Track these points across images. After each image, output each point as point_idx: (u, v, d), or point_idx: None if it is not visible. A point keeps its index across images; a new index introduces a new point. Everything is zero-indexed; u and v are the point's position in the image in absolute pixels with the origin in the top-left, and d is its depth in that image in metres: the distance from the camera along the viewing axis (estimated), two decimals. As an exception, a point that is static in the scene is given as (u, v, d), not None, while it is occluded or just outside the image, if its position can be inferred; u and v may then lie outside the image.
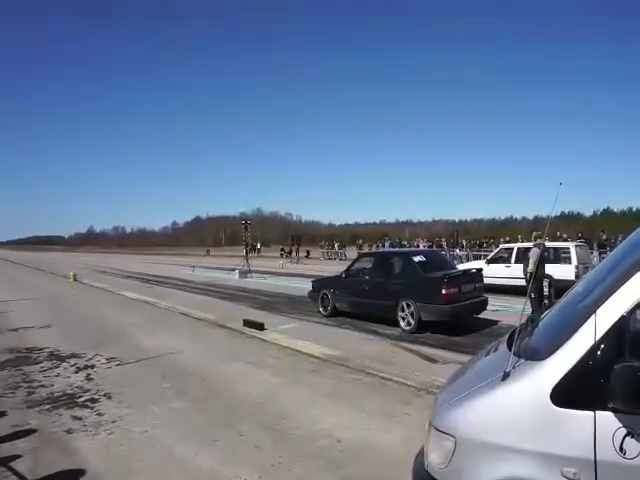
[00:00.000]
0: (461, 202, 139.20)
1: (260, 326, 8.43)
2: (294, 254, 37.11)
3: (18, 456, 3.63)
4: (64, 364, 6.46)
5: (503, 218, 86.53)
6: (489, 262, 13.90)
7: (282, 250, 44.42)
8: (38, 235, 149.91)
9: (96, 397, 5.02)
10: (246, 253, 23.40)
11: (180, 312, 10.80)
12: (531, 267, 8.64)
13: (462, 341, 7.37)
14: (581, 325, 1.77)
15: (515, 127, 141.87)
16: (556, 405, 1.73)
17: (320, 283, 10.70)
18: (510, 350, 2.10)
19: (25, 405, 4.81)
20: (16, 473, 3.39)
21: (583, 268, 11.72)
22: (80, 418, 4.43)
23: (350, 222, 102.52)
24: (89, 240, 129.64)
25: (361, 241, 40.07)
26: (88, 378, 5.75)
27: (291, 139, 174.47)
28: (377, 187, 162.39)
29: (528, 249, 13.05)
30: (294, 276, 21.10)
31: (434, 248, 29.64)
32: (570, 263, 12.06)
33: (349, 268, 10.01)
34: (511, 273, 12.84)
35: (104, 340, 7.83)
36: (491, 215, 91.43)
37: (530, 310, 7.73)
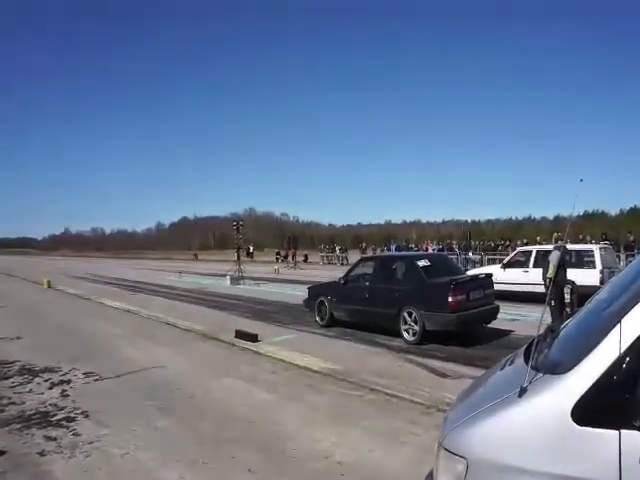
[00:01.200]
0: (474, 201, 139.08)
1: (254, 337, 8.43)
2: (290, 258, 37.13)
3: (-15, 481, 3.63)
4: (37, 379, 6.45)
5: (520, 218, 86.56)
6: (505, 266, 13.90)
7: (277, 254, 44.50)
8: (8, 237, 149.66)
9: (72, 416, 5.01)
10: (238, 257, 23.40)
11: (165, 322, 10.80)
12: (551, 272, 8.61)
13: (475, 353, 7.37)
14: (605, 336, 1.76)
15: (532, 123, 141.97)
16: (578, 423, 1.72)
17: (317, 290, 10.71)
18: (527, 363, 2.09)
19: (-6, 424, 4.80)
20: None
21: (608, 273, 11.59)
22: (54, 439, 4.41)
23: (352, 223, 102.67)
24: (64, 243, 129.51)
25: (364, 244, 40.09)
26: (63, 395, 5.74)
27: (288, 135, 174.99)
28: (382, 185, 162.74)
29: (548, 252, 13.24)
30: (291, 282, 21.08)
31: (445, 251, 29.76)
32: (594, 267, 11.98)
33: (348, 273, 10.06)
34: (529, 279, 12.72)
35: (81, 353, 7.82)
36: (507, 215, 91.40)
37: (549, 319, 7.74)
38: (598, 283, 11.23)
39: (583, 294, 10.56)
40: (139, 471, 3.77)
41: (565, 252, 9.58)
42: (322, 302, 10.08)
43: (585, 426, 1.71)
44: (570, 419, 1.74)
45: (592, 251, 12.53)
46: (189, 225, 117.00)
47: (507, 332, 8.73)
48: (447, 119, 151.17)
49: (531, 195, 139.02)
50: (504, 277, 13.21)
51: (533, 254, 13.44)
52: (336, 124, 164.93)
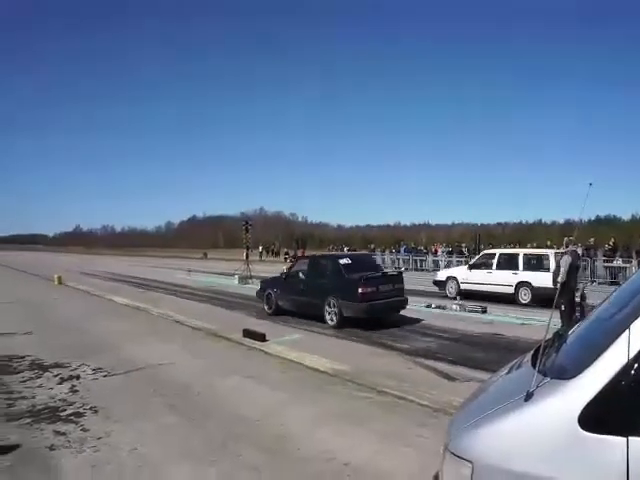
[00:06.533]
0: (484, 204, 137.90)
1: (261, 337, 8.46)
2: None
3: (-5, 473, 3.68)
4: (47, 374, 6.53)
5: (531, 222, 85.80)
6: (471, 268, 14.99)
7: (286, 254, 44.47)
8: (20, 234, 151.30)
9: (81, 411, 5.07)
10: (246, 257, 23.46)
11: (174, 320, 10.87)
12: (562, 276, 8.54)
13: (483, 357, 7.34)
14: (613, 341, 1.76)
15: (542, 124, 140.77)
16: (585, 429, 1.72)
17: (265, 284, 12.52)
18: (534, 367, 2.09)
19: (4, 418, 4.87)
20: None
21: None
22: (63, 433, 4.47)
23: (361, 224, 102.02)
24: (75, 240, 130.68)
25: (373, 245, 39.91)
26: (73, 390, 5.81)
27: (296, 135, 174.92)
28: (391, 186, 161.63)
29: (513, 255, 14.73)
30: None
31: (453, 253, 29.62)
32: (549, 270, 12.59)
33: (289, 270, 11.97)
34: (493, 279, 14.02)
35: (91, 349, 7.90)
36: (517, 218, 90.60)
37: (559, 324, 7.68)
38: (552, 285, 11.82)
39: (538, 294, 12.71)
40: (146, 467, 3.80)
41: (577, 257, 9.50)
42: (269, 294, 11.96)
43: (592, 432, 1.71)
44: (577, 425, 1.73)
45: (548, 255, 13.48)
46: (199, 224, 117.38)
47: (516, 337, 8.67)
48: (458, 120, 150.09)
49: (542, 199, 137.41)
50: (471, 277, 14.70)
51: (496, 257, 14.56)
52: (346, 125, 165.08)
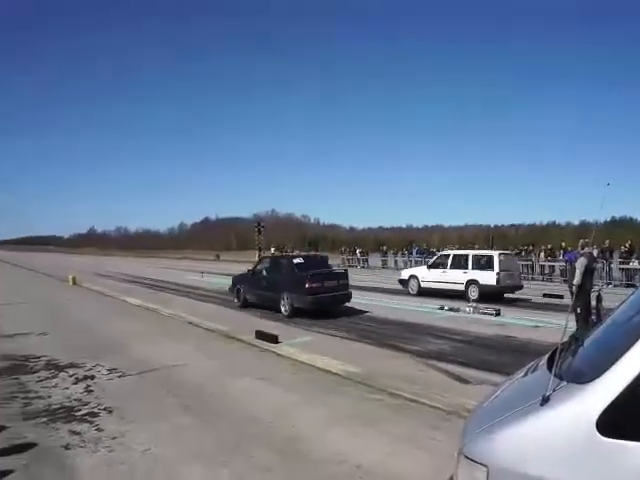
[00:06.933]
0: (497, 205, 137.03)
1: (274, 338, 8.48)
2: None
3: (11, 471, 3.73)
4: (62, 374, 6.61)
5: (545, 223, 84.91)
6: (430, 267, 16.54)
7: (298, 255, 44.50)
8: (34, 235, 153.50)
9: (96, 411, 5.12)
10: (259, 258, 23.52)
11: (187, 321, 10.93)
12: (577, 279, 8.44)
13: (496, 360, 7.28)
14: (632, 344, 1.73)
15: (557, 123, 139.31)
16: (603, 435, 1.69)
17: (236, 280, 14.22)
18: (550, 371, 2.06)
19: (21, 417, 4.93)
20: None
21: (504, 275, 14.53)
22: (79, 433, 4.52)
23: (373, 226, 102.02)
24: (89, 241, 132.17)
25: (385, 247, 39.75)
26: (88, 390, 5.87)
27: (309, 137, 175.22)
28: (403, 187, 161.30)
29: (464, 256, 16.06)
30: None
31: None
32: (493, 270, 14.40)
33: (254, 268, 13.76)
34: (447, 278, 15.54)
35: (105, 349, 7.98)
36: (531, 220, 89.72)
37: (574, 327, 7.60)
38: (495, 283, 14.27)
39: (485, 291, 14.36)
40: (159, 467, 3.83)
41: (593, 259, 9.38)
42: (239, 289, 13.70)
43: (610, 437, 1.68)
44: (595, 430, 1.71)
45: (492, 256, 14.95)
46: (211, 225, 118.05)
47: (530, 339, 8.59)
48: (470, 120, 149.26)
49: (556, 200, 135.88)
50: (429, 276, 16.23)
51: (450, 257, 16.05)
52: (357, 125, 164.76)
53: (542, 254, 25.16)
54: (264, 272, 12.94)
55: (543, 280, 23.80)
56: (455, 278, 15.22)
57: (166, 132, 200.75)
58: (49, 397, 5.60)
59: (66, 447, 4.20)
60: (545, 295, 15.74)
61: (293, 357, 7.44)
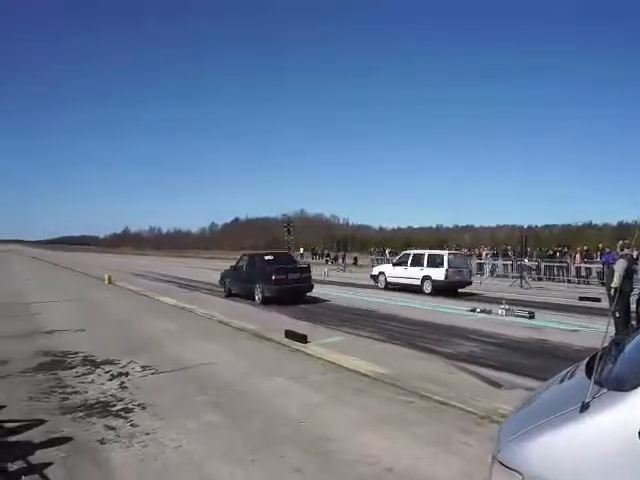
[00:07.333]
0: (530, 205, 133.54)
1: (303, 338, 8.51)
2: (340, 261, 37.09)
3: (50, 464, 3.84)
4: (98, 370, 6.79)
5: (580, 224, 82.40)
6: (394, 265, 18.86)
7: (327, 256, 44.55)
8: (70, 235, 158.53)
9: (130, 407, 5.23)
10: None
11: (218, 320, 11.09)
12: (616, 282, 8.14)
13: (530, 364, 7.11)
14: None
15: (596, 120, 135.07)
16: (646, 444, 1.63)
17: (223, 274, 16.77)
18: (590, 378, 2.00)
19: (59, 411, 5.09)
20: (48, 482, 3.59)
21: (453, 271, 16.64)
22: (114, 428, 4.62)
23: (403, 226, 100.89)
24: (123, 241, 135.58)
25: (414, 248, 39.38)
26: (122, 386, 6.01)
27: (339, 137, 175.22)
28: (434, 188, 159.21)
29: (421, 254, 17.94)
30: (339, 285, 21.13)
31: (499, 257, 28.89)
32: (442, 267, 16.49)
33: (236, 264, 16.20)
34: (407, 275, 17.77)
35: (139, 347, 8.16)
36: (566, 220, 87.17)
37: (613, 332, 7.35)
38: (444, 278, 16.37)
39: (437, 286, 16.45)
40: (190, 464, 3.88)
41: (632, 261, 9.05)
42: (225, 282, 16.37)
43: (654, 448, 1.62)
44: (637, 439, 1.64)
45: (443, 255, 17.19)
46: (241, 226, 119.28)
47: (564, 343, 8.36)
48: (502, 120, 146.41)
49: (593, 200, 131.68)
50: (393, 273, 18.53)
51: (411, 256, 18.18)
52: (386, 125, 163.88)
53: (578, 256, 24.48)
54: (244, 267, 15.40)
55: (579, 283, 23.17)
56: (413, 274, 17.42)
57: (195, 134, 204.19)
58: (86, 392, 5.75)
59: (101, 441, 4.31)
60: (581, 298, 15.31)
61: (323, 357, 7.44)
